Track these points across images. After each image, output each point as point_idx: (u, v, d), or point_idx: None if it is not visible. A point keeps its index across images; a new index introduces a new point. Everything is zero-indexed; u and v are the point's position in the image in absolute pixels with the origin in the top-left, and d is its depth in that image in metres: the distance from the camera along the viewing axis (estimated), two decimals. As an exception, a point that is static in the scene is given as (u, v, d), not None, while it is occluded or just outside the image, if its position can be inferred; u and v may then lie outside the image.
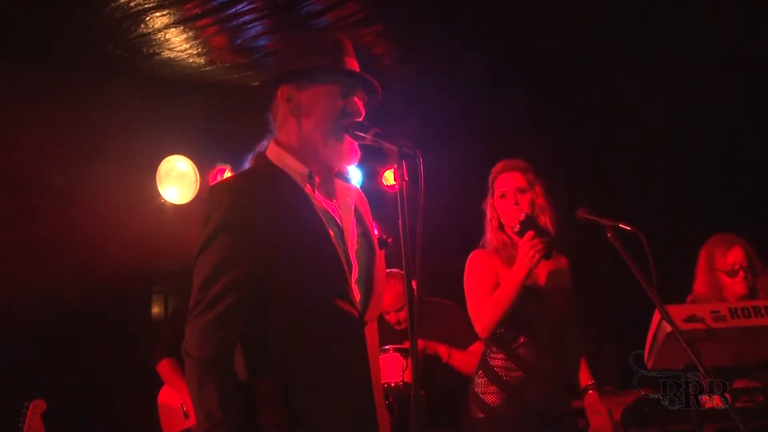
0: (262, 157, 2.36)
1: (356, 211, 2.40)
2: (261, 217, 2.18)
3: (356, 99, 2.34)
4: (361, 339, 2.24)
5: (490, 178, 3.63)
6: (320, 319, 2.19)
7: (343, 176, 2.41)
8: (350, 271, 2.26)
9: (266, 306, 2.17)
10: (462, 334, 4.52)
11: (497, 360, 3.45)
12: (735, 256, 4.06)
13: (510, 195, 3.52)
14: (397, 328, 4.72)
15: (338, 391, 2.18)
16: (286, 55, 2.42)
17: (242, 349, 2.21)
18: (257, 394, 2.18)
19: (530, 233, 3.33)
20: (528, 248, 3.30)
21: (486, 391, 3.43)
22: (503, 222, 3.55)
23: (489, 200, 3.62)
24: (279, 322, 2.18)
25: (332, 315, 2.20)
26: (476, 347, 4.49)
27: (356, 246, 2.32)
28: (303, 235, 2.21)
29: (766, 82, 5.38)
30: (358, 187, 2.56)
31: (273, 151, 2.34)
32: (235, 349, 2.20)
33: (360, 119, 2.31)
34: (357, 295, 2.26)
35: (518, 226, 3.40)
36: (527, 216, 3.41)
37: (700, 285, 4.16)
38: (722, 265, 4.07)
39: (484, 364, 3.50)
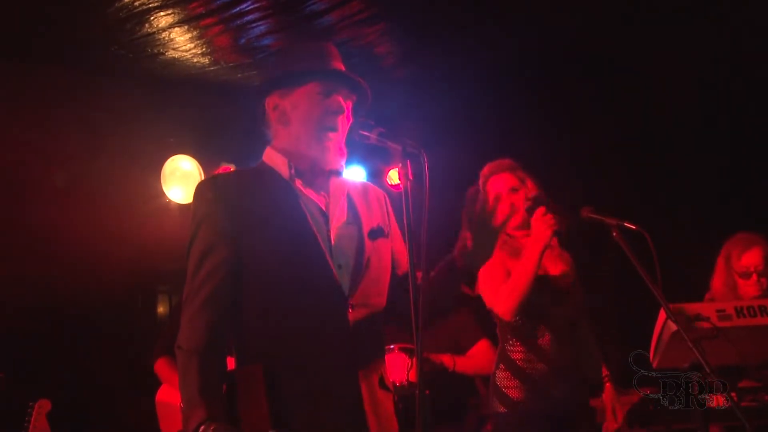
0: (260, 161, 2.45)
1: (350, 202, 2.43)
2: (239, 204, 2.27)
3: (339, 98, 2.37)
4: (342, 321, 2.24)
5: (480, 183, 3.63)
6: (296, 296, 2.23)
7: (338, 173, 2.43)
8: (331, 255, 2.28)
9: (245, 291, 2.24)
10: (465, 335, 4.51)
11: (517, 353, 3.44)
12: (750, 258, 4.00)
13: (504, 196, 3.53)
14: None
15: (317, 373, 2.19)
16: (270, 67, 2.51)
17: (229, 338, 2.28)
18: (237, 383, 2.21)
19: (541, 209, 3.34)
20: (540, 223, 3.31)
21: (509, 385, 3.41)
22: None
23: None
24: (256, 303, 2.24)
25: (309, 294, 2.23)
26: (479, 347, 4.49)
27: (338, 232, 2.34)
28: (279, 218, 2.28)
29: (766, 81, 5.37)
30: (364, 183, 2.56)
31: (267, 153, 2.45)
32: (225, 338, 2.26)
33: (341, 116, 2.36)
34: (337, 277, 2.27)
35: (529, 203, 3.41)
36: (536, 195, 3.43)
37: (717, 283, 4.11)
38: (737, 266, 4.02)
39: (504, 358, 3.48)
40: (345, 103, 2.39)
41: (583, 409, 3.46)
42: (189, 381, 2.16)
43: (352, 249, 2.34)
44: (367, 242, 2.37)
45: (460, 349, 4.54)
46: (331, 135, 2.35)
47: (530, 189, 3.55)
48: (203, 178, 5.57)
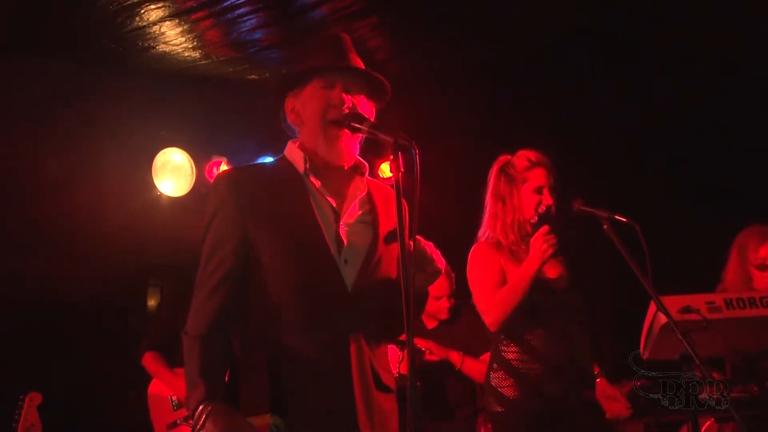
0: (281, 155, 2.48)
1: (371, 202, 2.43)
2: (253, 197, 2.30)
3: (340, 88, 2.36)
4: (343, 314, 2.26)
5: (521, 168, 3.56)
6: (298, 287, 2.26)
7: (360, 171, 2.43)
8: (338, 249, 2.30)
9: (251, 281, 2.29)
10: (476, 341, 4.51)
11: (511, 353, 3.44)
12: (767, 250, 3.95)
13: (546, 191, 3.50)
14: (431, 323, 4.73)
15: (313, 370, 2.22)
16: (284, 70, 2.51)
17: (235, 326, 2.33)
18: (240, 368, 2.28)
19: (546, 227, 3.34)
20: (542, 242, 3.30)
21: (503, 384, 3.42)
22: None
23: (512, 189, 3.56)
24: (261, 292, 2.28)
25: (310, 285, 2.26)
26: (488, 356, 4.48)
27: (350, 229, 2.35)
28: (287, 210, 2.31)
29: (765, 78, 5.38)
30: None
31: (288, 148, 2.47)
32: (229, 325, 2.32)
33: (346, 110, 2.34)
34: (340, 270, 2.28)
35: (536, 218, 3.41)
36: (547, 209, 3.42)
37: (730, 275, 4.06)
38: (753, 258, 3.97)
39: (498, 358, 3.48)
40: (354, 96, 2.37)
41: (578, 404, 3.46)
42: (191, 364, 2.24)
43: (363, 247, 2.35)
44: (381, 244, 2.38)
45: (469, 354, 4.55)
46: (336, 129, 2.33)
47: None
48: (194, 171, 5.56)
